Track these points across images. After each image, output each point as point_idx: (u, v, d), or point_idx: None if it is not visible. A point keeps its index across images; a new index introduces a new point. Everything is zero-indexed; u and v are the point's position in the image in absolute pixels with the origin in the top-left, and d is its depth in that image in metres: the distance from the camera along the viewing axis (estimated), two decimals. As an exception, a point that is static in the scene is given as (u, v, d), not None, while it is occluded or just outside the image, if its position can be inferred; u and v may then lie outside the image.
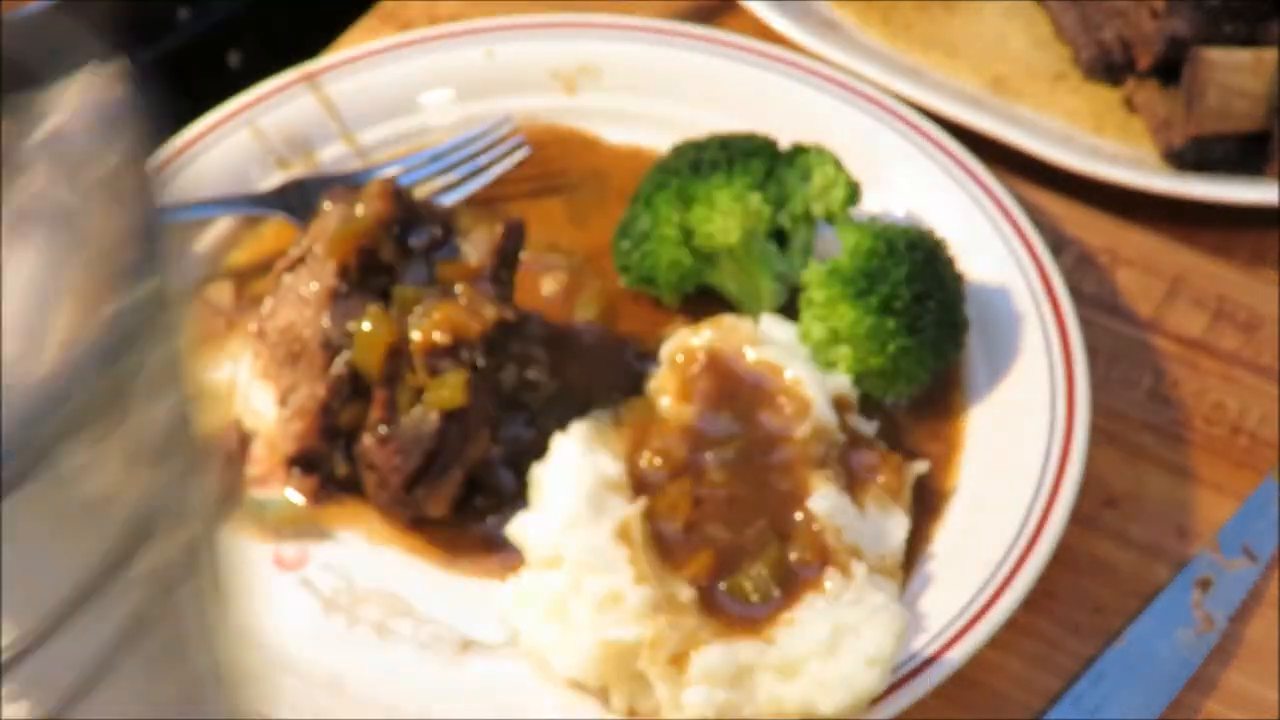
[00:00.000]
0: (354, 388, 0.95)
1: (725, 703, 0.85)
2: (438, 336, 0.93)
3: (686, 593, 0.88)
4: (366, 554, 0.96)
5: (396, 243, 0.97)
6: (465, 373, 0.93)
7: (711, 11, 1.25)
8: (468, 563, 0.96)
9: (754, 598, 0.88)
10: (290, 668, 0.92)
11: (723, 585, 0.89)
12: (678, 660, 0.85)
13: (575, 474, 0.91)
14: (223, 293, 1.07)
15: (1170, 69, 1.15)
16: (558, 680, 0.90)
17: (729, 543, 0.91)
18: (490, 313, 0.94)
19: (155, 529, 0.37)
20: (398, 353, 0.94)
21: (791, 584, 0.89)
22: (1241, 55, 1.11)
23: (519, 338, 1.00)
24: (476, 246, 0.98)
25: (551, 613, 0.89)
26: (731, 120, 1.10)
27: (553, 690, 0.91)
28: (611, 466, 0.92)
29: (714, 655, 0.85)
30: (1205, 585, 0.96)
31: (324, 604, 0.95)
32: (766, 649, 0.86)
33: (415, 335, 0.93)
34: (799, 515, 0.91)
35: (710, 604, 0.89)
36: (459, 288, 0.95)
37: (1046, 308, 1.03)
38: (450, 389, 0.92)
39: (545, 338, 1.02)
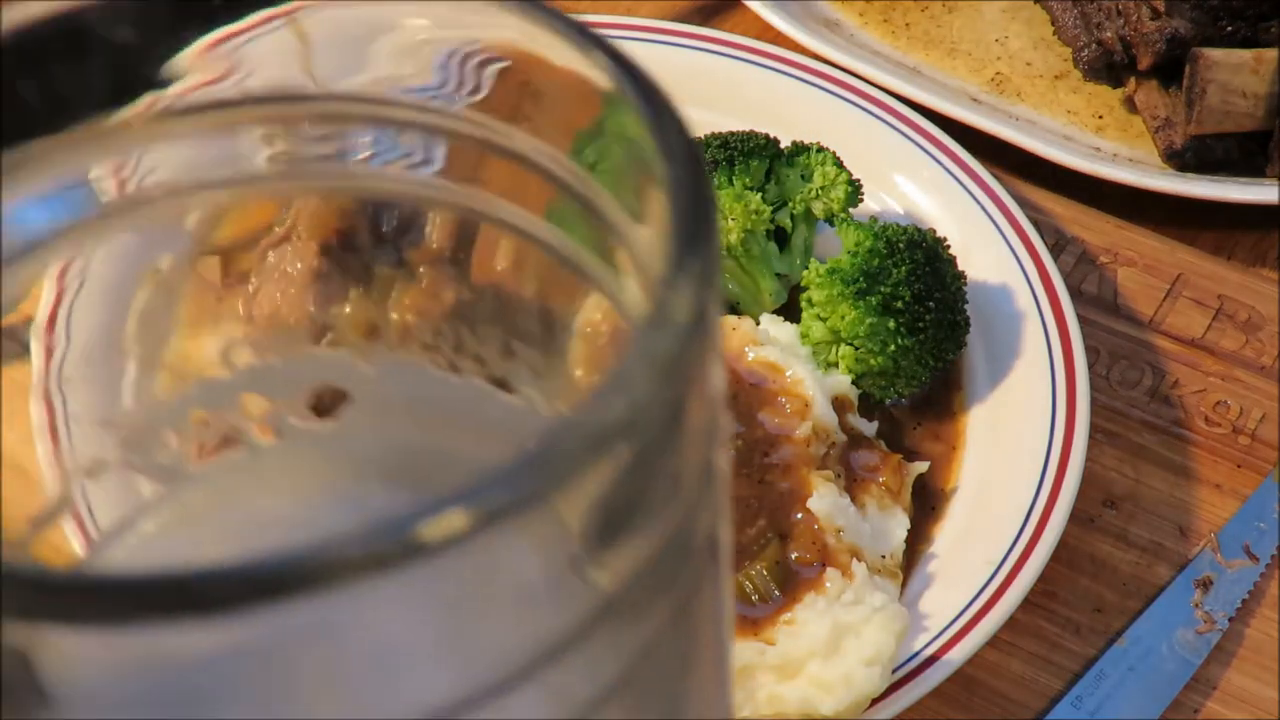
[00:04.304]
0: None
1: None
2: (410, 319, 0.93)
3: None
4: None
5: (370, 224, 0.97)
6: None
7: (711, 11, 1.25)
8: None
9: (753, 598, 0.88)
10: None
11: None
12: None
13: None
14: (211, 268, 1.06)
15: (1171, 69, 1.15)
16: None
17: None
18: (449, 296, 0.94)
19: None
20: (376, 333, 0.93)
21: (791, 584, 0.89)
22: (1242, 55, 1.11)
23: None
24: (437, 228, 0.98)
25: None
26: (731, 120, 1.10)
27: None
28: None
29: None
30: (1206, 585, 0.96)
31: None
32: (766, 649, 0.86)
33: (394, 316, 0.93)
34: (799, 515, 0.91)
35: None
36: (421, 270, 0.95)
37: (1046, 308, 1.03)
38: None
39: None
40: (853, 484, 0.94)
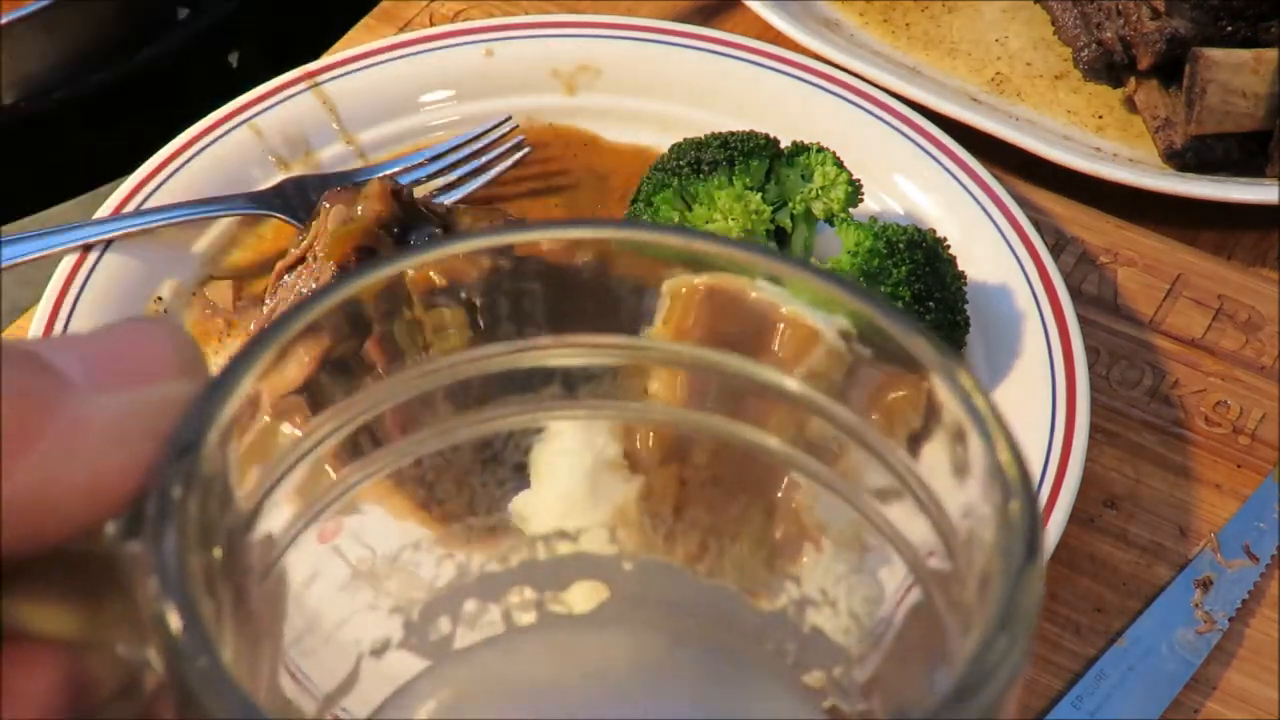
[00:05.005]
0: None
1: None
2: (435, 277, 0.93)
3: None
4: (387, 527, 0.96)
5: (396, 242, 0.97)
6: (462, 311, 0.92)
7: (711, 11, 1.25)
8: (477, 539, 0.96)
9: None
10: (323, 634, 0.91)
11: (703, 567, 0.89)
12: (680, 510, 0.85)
13: (573, 456, 0.91)
14: (223, 293, 1.07)
15: (1171, 69, 1.15)
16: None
17: (714, 524, 0.90)
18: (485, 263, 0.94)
19: None
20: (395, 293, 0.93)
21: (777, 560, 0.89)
22: (1242, 55, 1.11)
23: (517, 277, 0.99)
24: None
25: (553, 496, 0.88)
26: (731, 120, 1.10)
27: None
28: (609, 447, 0.92)
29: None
30: (1206, 585, 0.96)
31: (352, 575, 0.94)
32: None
33: (410, 271, 0.93)
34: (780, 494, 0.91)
35: None
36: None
37: (1046, 308, 1.03)
38: (452, 324, 0.92)
39: (543, 273, 1.02)
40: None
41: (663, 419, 0.51)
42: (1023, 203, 1.09)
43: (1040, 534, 0.37)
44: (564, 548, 0.52)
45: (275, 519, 0.42)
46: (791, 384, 0.45)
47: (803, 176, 1.05)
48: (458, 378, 0.47)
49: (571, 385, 0.49)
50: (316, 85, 1.14)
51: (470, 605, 0.50)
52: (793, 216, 1.05)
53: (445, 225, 0.98)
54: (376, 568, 0.51)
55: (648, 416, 0.51)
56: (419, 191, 1.08)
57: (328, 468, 0.46)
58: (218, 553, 0.38)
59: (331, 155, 1.13)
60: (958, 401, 0.40)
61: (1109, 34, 1.16)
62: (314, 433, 0.43)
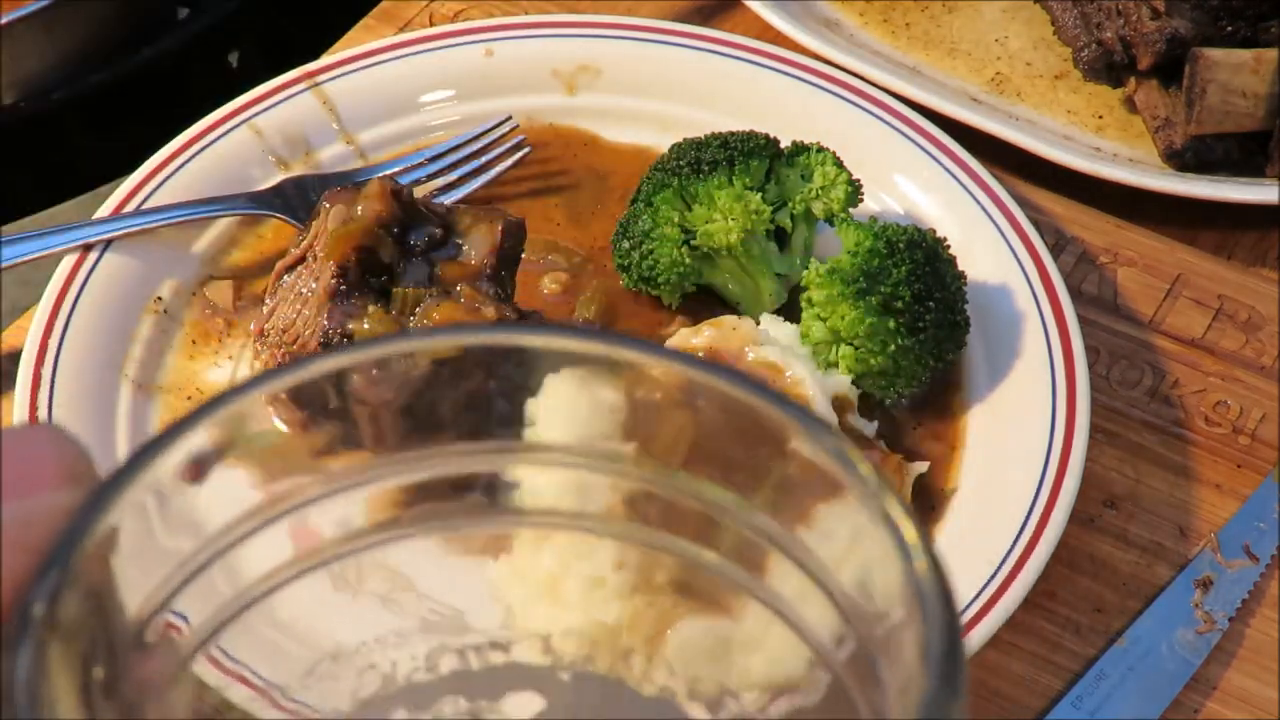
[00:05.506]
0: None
1: (701, 677, 0.84)
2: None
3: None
4: (312, 625, 0.96)
5: (396, 242, 0.97)
6: None
7: (711, 11, 1.25)
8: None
9: None
10: (303, 639, 0.91)
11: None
12: (654, 640, 0.85)
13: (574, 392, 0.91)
14: (223, 293, 1.07)
15: (1171, 69, 1.15)
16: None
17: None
18: (490, 312, 0.94)
19: None
20: None
21: None
22: (1242, 55, 1.11)
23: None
24: (476, 246, 0.98)
25: (544, 592, 0.88)
26: (731, 120, 1.10)
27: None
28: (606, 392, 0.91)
29: (690, 631, 0.84)
30: (1206, 585, 0.96)
31: (333, 578, 0.94)
32: (740, 624, 0.86)
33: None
34: None
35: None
36: (459, 287, 0.96)
37: (1046, 308, 1.03)
38: None
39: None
40: (853, 484, 0.94)
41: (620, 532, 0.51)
42: (1023, 203, 1.09)
43: (959, 666, 0.37)
44: (496, 657, 0.49)
45: (183, 622, 0.39)
46: (728, 499, 0.44)
47: (803, 176, 1.05)
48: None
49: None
50: (316, 85, 1.14)
51: (400, 715, 0.47)
52: (793, 216, 1.05)
53: (445, 225, 0.98)
54: (291, 682, 0.47)
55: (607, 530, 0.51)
56: (419, 191, 1.08)
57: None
58: (99, 671, 0.34)
59: (331, 155, 1.13)
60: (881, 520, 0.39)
61: (1109, 34, 1.16)
62: (225, 534, 0.40)
